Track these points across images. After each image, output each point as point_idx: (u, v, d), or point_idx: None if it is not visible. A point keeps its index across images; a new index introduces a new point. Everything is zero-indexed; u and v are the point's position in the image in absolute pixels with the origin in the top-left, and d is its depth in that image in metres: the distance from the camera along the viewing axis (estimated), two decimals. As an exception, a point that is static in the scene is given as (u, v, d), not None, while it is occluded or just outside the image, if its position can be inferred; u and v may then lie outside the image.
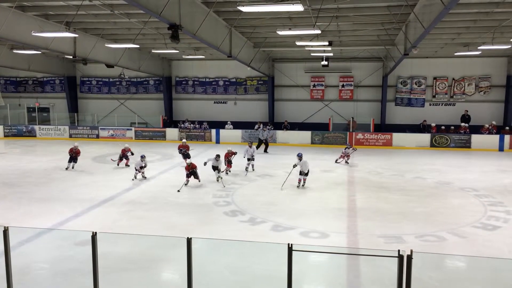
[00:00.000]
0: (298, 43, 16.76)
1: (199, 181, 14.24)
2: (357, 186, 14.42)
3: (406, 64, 23.49)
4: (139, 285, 7.29)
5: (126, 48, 21.26)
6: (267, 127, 23.78)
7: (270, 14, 13.84)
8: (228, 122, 26.41)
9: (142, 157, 15.23)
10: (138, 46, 19.51)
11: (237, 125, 26.14)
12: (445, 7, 9.64)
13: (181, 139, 21.25)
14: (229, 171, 15.94)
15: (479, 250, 8.78)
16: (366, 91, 26.49)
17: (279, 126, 26.14)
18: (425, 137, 23.21)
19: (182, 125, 26.32)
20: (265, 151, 21.65)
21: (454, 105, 25.47)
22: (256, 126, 25.67)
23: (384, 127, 25.53)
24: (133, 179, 14.83)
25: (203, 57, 24.54)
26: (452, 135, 23.10)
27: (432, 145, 23.01)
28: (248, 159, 16.48)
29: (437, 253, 8.35)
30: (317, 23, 13.11)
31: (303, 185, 13.84)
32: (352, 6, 13.33)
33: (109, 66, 22.62)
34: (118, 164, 17.25)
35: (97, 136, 26.22)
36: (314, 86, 27.12)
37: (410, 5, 13.06)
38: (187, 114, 28.24)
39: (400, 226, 10.24)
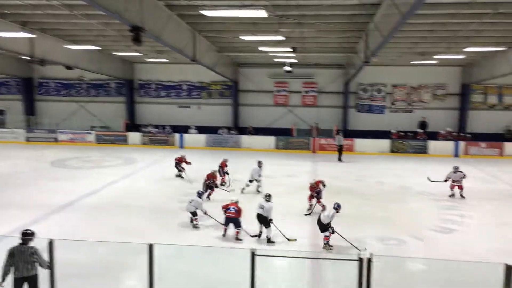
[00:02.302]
0: (261, 49, 16.88)
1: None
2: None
3: (367, 71, 24.08)
4: (98, 293, 7.08)
5: (86, 49, 20.72)
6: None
7: (234, 19, 13.86)
8: (192, 127, 26.23)
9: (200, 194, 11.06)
10: (98, 47, 19.07)
11: (201, 129, 26.02)
12: (402, 17, 9.96)
13: (182, 158, 16.22)
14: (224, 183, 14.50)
15: (436, 252, 9.06)
16: (329, 97, 26.95)
17: (243, 131, 26.19)
18: (385, 143, 23.84)
19: (145, 129, 25.92)
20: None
21: (412, 112, 26.30)
22: (220, 131, 25.62)
23: (346, 133, 26.03)
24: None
25: (167, 60, 24.29)
26: (411, 141, 23.83)
27: (391, 151, 23.65)
28: (256, 180, 14.18)
29: (397, 256, 8.56)
30: (280, 29, 13.25)
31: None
32: (315, 14, 13.55)
33: (68, 67, 21.97)
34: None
35: (56, 140, 25.39)
36: (278, 91, 27.35)
37: (370, 14, 13.41)
38: (150, 118, 27.81)
39: (362, 229, 10.42)
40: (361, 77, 25.18)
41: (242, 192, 13.69)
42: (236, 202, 9.90)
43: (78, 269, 7.53)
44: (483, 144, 22.89)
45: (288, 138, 24.71)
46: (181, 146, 24.76)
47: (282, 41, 15.32)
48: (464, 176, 13.56)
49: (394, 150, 23.64)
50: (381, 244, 9.49)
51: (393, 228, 10.56)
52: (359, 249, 9.37)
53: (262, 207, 9.49)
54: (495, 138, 23.96)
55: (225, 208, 9.82)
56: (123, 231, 9.92)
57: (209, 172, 13.51)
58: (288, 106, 27.39)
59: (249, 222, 9.83)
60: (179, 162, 16.02)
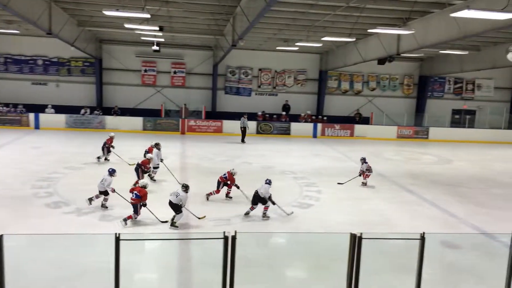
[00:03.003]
0: (127, 26, 16.14)
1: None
2: (189, 172, 14.69)
3: (235, 54, 24.66)
4: None
5: None
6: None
7: (96, -8, 12.98)
8: (49, 106, 24.05)
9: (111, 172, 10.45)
10: None
11: (59, 109, 24.00)
12: (267, 4, 10.38)
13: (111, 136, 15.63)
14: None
15: (297, 226, 9.83)
16: (198, 78, 26.99)
17: (108, 111, 24.89)
18: (252, 125, 24.79)
19: (-8, 109, 23.05)
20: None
21: (277, 95, 27.77)
22: (83, 111, 23.98)
23: (215, 114, 26.43)
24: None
25: (17, 32, 21.72)
26: (275, 123, 25.21)
27: (258, 132, 24.73)
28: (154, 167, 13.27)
29: (260, 232, 9.08)
30: (146, 7, 12.81)
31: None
32: (183, -7, 13.39)
33: None
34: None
35: None
36: (145, 71, 26.49)
37: (237, -2, 13.70)
38: (-2, 96, 24.78)
39: (230, 209, 10.80)
40: (229, 59, 25.69)
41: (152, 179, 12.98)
42: (143, 187, 9.45)
43: None
44: (337, 126, 25.24)
45: (156, 119, 24.21)
46: (37, 127, 22.61)
47: (148, 19, 14.82)
48: (369, 168, 13.65)
49: (260, 132, 24.76)
50: (247, 221, 9.96)
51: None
52: (287, 213, 10.33)
53: (176, 195, 9.23)
54: (347, 121, 26.61)
55: (131, 192, 9.49)
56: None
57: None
58: (157, 86, 26.75)
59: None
60: (107, 143, 15.31)
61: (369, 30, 14.89)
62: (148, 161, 12.54)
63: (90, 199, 10.17)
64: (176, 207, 9.24)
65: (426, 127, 26.21)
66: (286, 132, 24.89)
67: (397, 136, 25.67)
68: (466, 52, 21.88)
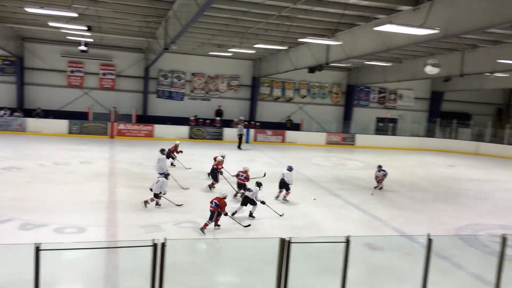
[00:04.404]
0: (52, 24, 15.34)
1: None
2: (118, 178, 14.20)
3: (167, 58, 24.30)
4: None
5: None
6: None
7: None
8: (-37, 107, 22.25)
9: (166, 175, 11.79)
10: None
11: (-26, 110, 22.27)
12: (200, 8, 10.36)
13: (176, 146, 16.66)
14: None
15: (228, 232, 9.79)
16: (129, 81, 26.24)
17: (30, 113, 23.46)
18: (184, 129, 24.57)
19: None
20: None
21: (210, 100, 27.70)
22: (2, 112, 22.41)
23: (146, 118, 25.82)
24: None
25: None
26: (208, 128, 25.12)
27: (190, 137, 24.51)
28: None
29: (190, 238, 8.97)
30: (73, 5, 12.27)
31: None
32: (112, -7, 12.99)
33: None
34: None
35: None
36: (72, 72, 25.29)
37: (169, 1, 13.52)
38: None
39: (160, 215, 10.57)
40: (161, 63, 25.26)
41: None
42: (224, 198, 9.68)
43: None
44: (269, 132, 25.67)
45: (83, 122, 23.21)
46: None
47: (75, 18, 14.19)
48: (385, 175, 14.67)
49: (192, 136, 24.55)
50: (178, 227, 9.81)
51: (189, 212, 11.02)
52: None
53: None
54: (279, 127, 27.17)
55: (211, 202, 9.69)
56: None
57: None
58: (84, 88, 25.63)
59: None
60: (173, 151, 16.29)
61: (299, 40, 15.34)
62: (220, 162, 13.57)
63: (146, 202, 10.75)
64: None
65: (353, 134, 27.43)
66: (219, 137, 24.90)
67: (326, 142, 26.62)
68: (389, 64, 23.24)
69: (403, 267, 8.40)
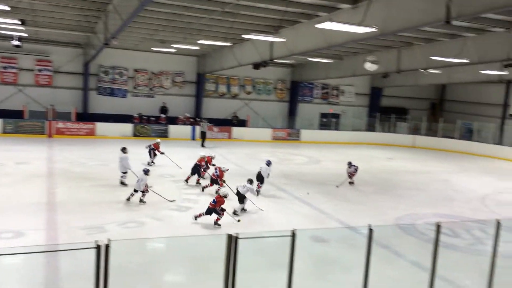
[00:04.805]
0: (-19, 17, 14.39)
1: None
2: (58, 178, 13.63)
3: (108, 53, 23.49)
4: None
5: None
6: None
7: None
8: None
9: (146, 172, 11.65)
10: None
11: None
12: (141, 3, 10.12)
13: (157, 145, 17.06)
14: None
15: (175, 230, 9.72)
16: (67, 78, 25.11)
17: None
18: (128, 127, 23.93)
19: None
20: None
21: (154, 97, 27.12)
22: None
23: (87, 116, 24.86)
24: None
25: None
26: (153, 125, 24.62)
27: (134, 135, 23.92)
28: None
29: (135, 238, 8.79)
30: (5, -2, 11.58)
31: None
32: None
33: None
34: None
35: None
36: (4, 68, 23.84)
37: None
38: None
39: (103, 216, 10.27)
40: (102, 59, 24.37)
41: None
42: (224, 196, 10.25)
43: None
44: (215, 129, 25.57)
45: (18, 121, 22.00)
46: None
47: (7, 11, 13.38)
48: (356, 169, 15.49)
49: (137, 134, 23.98)
50: (122, 228, 9.58)
51: (134, 212, 10.79)
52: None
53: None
54: (225, 123, 27.12)
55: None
56: None
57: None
58: (18, 85, 24.24)
59: None
60: (155, 149, 16.59)
61: (243, 36, 15.36)
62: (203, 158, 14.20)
63: (128, 199, 11.28)
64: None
65: (298, 130, 27.94)
66: (165, 134, 24.47)
67: (272, 138, 26.93)
68: (331, 61, 23.86)
69: (348, 258, 8.71)
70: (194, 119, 26.50)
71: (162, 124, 25.09)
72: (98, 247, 4.58)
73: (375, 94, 32.29)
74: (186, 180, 13.98)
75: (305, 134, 27.77)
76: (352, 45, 18.76)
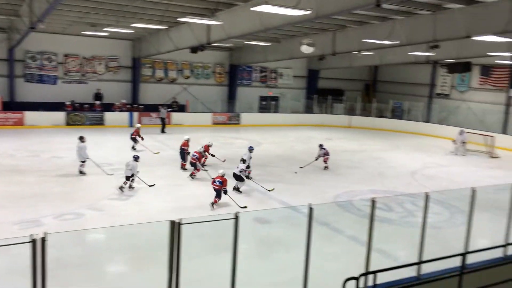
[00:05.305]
0: None
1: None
2: (-16, 173, 12.79)
3: (35, 38, 22.08)
4: None
5: None
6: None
7: None
8: None
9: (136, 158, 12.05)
10: None
11: None
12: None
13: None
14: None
15: (116, 220, 9.50)
16: (-11, 64, 23.42)
17: None
18: (60, 115, 22.82)
19: None
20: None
21: (87, 83, 25.97)
22: None
23: (14, 105, 23.36)
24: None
25: None
26: (87, 113, 23.64)
27: (67, 123, 22.87)
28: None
29: (74, 230, 8.50)
30: None
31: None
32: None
33: None
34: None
35: None
36: None
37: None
38: None
39: (38, 209, 9.84)
40: (28, 43, 22.88)
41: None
42: (222, 175, 10.65)
43: None
44: (153, 115, 25.01)
45: None
46: None
47: None
48: (325, 152, 15.73)
49: (70, 123, 22.94)
50: (59, 220, 9.22)
51: (72, 203, 10.41)
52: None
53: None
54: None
55: (213, 181, 10.72)
56: None
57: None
58: None
59: None
60: (135, 135, 17.10)
61: (178, 19, 15.05)
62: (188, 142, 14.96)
63: (121, 188, 11.43)
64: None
65: (238, 113, 28.02)
66: (100, 122, 23.62)
67: (213, 122, 26.84)
68: (268, 44, 24.00)
69: (290, 237, 8.96)
70: (131, 105, 25.75)
71: (97, 111, 24.16)
72: (33, 241, 4.40)
73: (312, 76, 32.96)
74: (183, 168, 14.49)
75: (245, 117, 27.92)
76: (288, 28, 18.96)
